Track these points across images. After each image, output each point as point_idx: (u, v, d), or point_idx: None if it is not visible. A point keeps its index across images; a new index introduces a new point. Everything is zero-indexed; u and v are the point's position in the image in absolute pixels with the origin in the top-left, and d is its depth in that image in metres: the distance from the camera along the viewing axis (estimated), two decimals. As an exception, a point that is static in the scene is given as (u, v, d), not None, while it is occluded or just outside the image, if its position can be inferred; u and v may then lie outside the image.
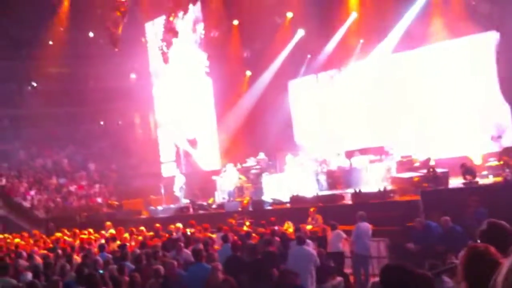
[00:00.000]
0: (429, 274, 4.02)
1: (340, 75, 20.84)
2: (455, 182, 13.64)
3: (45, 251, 12.33)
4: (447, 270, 5.92)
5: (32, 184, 25.26)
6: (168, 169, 25.72)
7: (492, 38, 16.76)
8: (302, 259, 8.93)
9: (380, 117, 19.52)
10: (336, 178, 18.07)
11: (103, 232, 15.09)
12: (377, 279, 4.11)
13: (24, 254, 11.45)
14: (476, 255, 3.07)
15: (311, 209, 13.60)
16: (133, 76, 27.42)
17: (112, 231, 14.94)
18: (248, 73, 23.71)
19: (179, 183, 20.81)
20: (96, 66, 24.71)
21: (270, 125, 21.28)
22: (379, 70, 19.62)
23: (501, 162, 14.01)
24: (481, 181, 13.27)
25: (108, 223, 16.41)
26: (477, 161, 15.40)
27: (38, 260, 10.71)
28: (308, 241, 10.20)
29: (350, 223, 11.68)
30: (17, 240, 14.98)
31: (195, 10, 24.61)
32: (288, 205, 16.14)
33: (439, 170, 13.89)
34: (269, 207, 16.45)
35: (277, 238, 10.58)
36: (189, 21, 24.91)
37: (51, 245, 13.46)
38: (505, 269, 1.69)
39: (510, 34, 15.43)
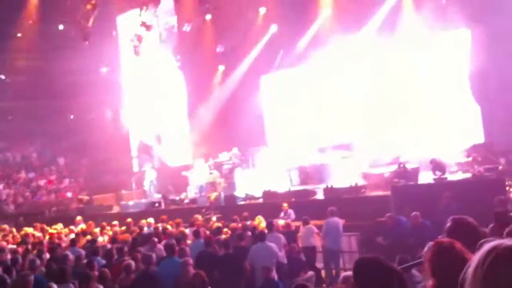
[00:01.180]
0: (398, 268, 4.07)
1: (313, 71, 20.90)
2: (425, 178, 13.84)
3: (14, 246, 12.12)
4: (416, 264, 6.01)
5: (1, 178, 24.80)
6: (139, 164, 25.53)
7: (464, 35, 17.01)
8: (263, 255, 8.94)
9: (351, 113, 19.64)
10: (308, 174, 18.17)
11: (72, 227, 14.90)
12: (348, 273, 4.15)
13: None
14: (442, 251, 3.11)
15: (284, 204, 13.67)
16: (104, 70, 27.08)
17: (83, 226, 14.77)
18: (221, 67, 23.63)
19: (150, 178, 20.67)
20: (67, 60, 24.27)
21: (243, 120, 21.24)
22: (350, 66, 19.74)
23: (470, 159, 14.28)
24: (450, 177, 13.50)
25: (79, 217, 16.23)
26: (446, 157, 15.64)
27: (8, 255, 10.52)
28: (279, 234, 10.26)
29: (322, 218, 11.78)
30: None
31: (167, 4, 24.45)
32: (260, 200, 16.18)
33: (409, 166, 14.09)
34: (242, 202, 16.47)
35: (249, 233, 10.59)
36: (161, 15, 24.71)
37: (20, 240, 13.22)
38: (474, 263, 1.71)
39: (481, 33, 15.61)
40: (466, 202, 10.33)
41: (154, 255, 8.53)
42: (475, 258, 1.70)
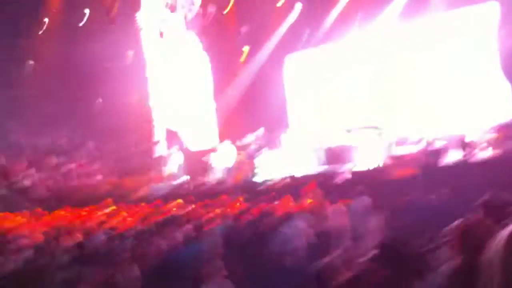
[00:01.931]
0: (423, 250, 4.07)
1: (339, 49, 20.69)
2: (454, 156, 13.66)
3: (46, 229, 12.40)
4: (444, 243, 5.97)
5: (32, 163, 25.25)
6: (166, 147, 25.69)
7: (492, 9, 16.61)
8: (291, 235, 8.96)
9: (379, 93, 19.45)
10: (335, 154, 18.08)
11: (104, 209, 15.15)
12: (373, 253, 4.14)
13: (26, 232, 11.52)
14: (471, 228, 3.09)
15: (310, 184, 13.65)
16: (130, 52, 27.18)
17: (113, 207, 15.02)
18: (246, 48, 23.54)
19: (177, 160, 20.81)
20: (91, 45, 24.45)
21: (269, 101, 21.19)
22: (379, 44, 19.50)
23: (501, 135, 14.02)
24: (480, 154, 13.30)
25: (108, 200, 16.49)
26: (475, 136, 15.39)
27: (40, 237, 10.78)
28: (309, 215, 10.27)
29: (349, 198, 11.75)
30: (18, 218, 15.04)
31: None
32: (287, 180, 16.19)
33: (438, 143, 13.92)
34: (269, 183, 16.51)
35: (276, 214, 10.63)
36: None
37: (52, 223, 13.52)
38: (498, 240, 1.71)
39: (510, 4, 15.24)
40: (498, 179, 10.16)
41: (180, 236, 8.63)
42: (497, 238, 1.70)
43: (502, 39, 15.84)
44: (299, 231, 9.11)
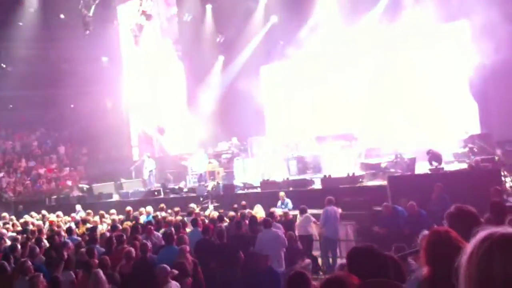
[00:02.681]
0: (395, 256, 4.14)
1: (313, 62, 20.92)
2: (422, 168, 13.93)
3: (14, 234, 12.24)
4: (412, 253, 6.10)
5: (1, 167, 24.88)
6: (139, 153, 25.60)
7: (463, 27, 17.03)
8: (271, 242, 9.08)
9: (350, 104, 19.70)
10: (306, 163, 18.26)
11: (73, 215, 15.02)
12: (344, 261, 4.23)
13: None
14: (438, 239, 3.15)
15: (281, 193, 13.77)
16: (105, 59, 27.10)
17: (82, 214, 14.88)
18: (221, 57, 23.67)
19: (149, 167, 20.74)
20: (67, 49, 24.30)
21: (243, 110, 21.29)
22: (351, 57, 19.77)
23: (467, 149, 14.37)
24: (447, 167, 13.60)
25: (78, 206, 16.34)
26: (443, 147, 15.72)
27: (8, 242, 10.64)
28: (278, 224, 10.37)
29: (319, 207, 11.89)
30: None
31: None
32: (258, 189, 16.28)
33: (406, 156, 14.17)
34: (240, 191, 16.57)
35: (246, 222, 10.70)
36: (162, 4, 24.69)
37: (20, 228, 13.34)
38: (469, 250, 1.74)
39: (481, 25, 15.61)
40: (462, 192, 10.42)
41: (149, 243, 8.63)
42: (470, 245, 1.75)
43: (471, 57, 16.23)
44: (277, 237, 9.21)
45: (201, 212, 13.40)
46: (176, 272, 7.12)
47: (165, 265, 7.13)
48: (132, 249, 8.42)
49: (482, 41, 15.28)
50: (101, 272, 7.22)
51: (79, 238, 10.72)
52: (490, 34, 14.98)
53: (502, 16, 14.46)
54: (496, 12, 14.46)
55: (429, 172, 13.15)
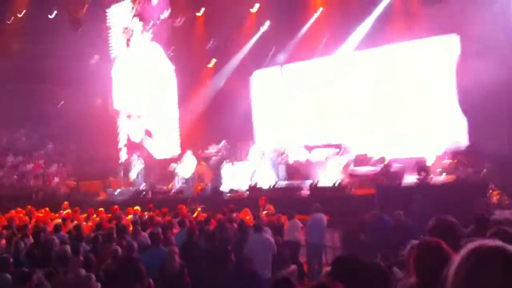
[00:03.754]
0: (381, 264, 4.16)
1: (304, 70, 21.04)
2: (410, 179, 14.03)
3: (-1, 229, 12.14)
4: (398, 262, 6.14)
5: (-13, 161, 24.71)
6: (127, 152, 25.50)
7: (453, 41, 17.19)
8: (260, 246, 9.09)
9: (340, 112, 19.82)
10: (295, 170, 18.30)
11: (60, 212, 14.93)
12: (330, 268, 4.25)
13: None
14: (428, 250, 3.17)
15: (262, 199, 13.76)
16: (96, 57, 27.01)
17: (69, 211, 14.80)
18: (212, 61, 23.66)
19: (138, 166, 20.67)
20: (58, 45, 24.14)
21: (233, 114, 21.31)
22: (341, 67, 19.91)
23: (455, 161, 14.47)
24: (435, 178, 13.69)
25: (65, 203, 16.24)
26: (431, 158, 15.85)
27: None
28: (266, 228, 10.38)
29: (307, 213, 11.92)
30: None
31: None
32: (246, 194, 16.30)
33: (395, 166, 14.26)
34: (228, 195, 16.58)
35: (235, 225, 10.71)
36: (155, 7, 24.64)
37: (5, 223, 13.24)
38: (457, 262, 1.77)
39: (470, 39, 15.77)
40: (449, 204, 10.50)
41: (135, 243, 8.61)
42: (457, 257, 1.77)
43: (460, 71, 16.40)
44: (267, 241, 9.23)
45: (189, 214, 13.38)
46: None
47: None
48: (119, 248, 8.39)
49: (471, 55, 15.49)
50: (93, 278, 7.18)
51: (66, 235, 10.65)
52: (479, 48, 15.17)
53: (492, 30, 14.65)
54: (486, 26, 14.65)
55: (416, 182, 13.24)
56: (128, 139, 25.86)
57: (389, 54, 18.84)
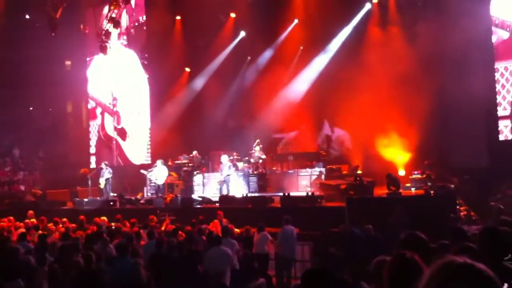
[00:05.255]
0: (348, 279, 4.15)
1: (278, 79, 21.10)
2: (380, 191, 14.13)
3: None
4: (366, 276, 6.12)
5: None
6: (96, 161, 25.17)
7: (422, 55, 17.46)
8: (218, 259, 8.94)
9: (313, 122, 19.95)
10: (266, 181, 18.29)
11: (25, 221, 14.58)
12: (299, 281, 4.21)
13: None
14: (403, 263, 3.13)
15: (219, 212, 13.56)
16: (68, 63, 26.68)
17: (34, 220, 14.47)
18: (187, 69, 23.60)
19: (106, 175, 20.34)
20: (31, 49, 23.79)
21: (206, 123, 21.23)
22: (318, 75, 20.06)
23: (424, 176, 14.64)
24: (404, 192, 13.82)
25: (31, 211, 15.88)
26: (401, 171, 16.03)
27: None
28: (233, 241, 10.28)
29: (277, 225, 11.86)
30: None
31: (137, 1, 24.27)
32: (217, 204, 16.18)
33: (365, 179, 14.34)
34: (198, 206, 16.44)
35: (204, 237, 10.59)
36: (131, 12, 24.52)
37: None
38: (426, 277, 1.76)
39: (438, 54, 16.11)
40: (418, 218, 10.59)
41: (104, 253, 8.41)
42: (427, 273, 1.76)
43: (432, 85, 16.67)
44: (226, 255, 9.10)
45: (158, 225, 13.20)
46: None
47: None
48: (81, 260, 8.18)
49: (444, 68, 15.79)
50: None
51: (30, 245, 10.37)
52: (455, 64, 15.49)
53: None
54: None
55: (386, 196, 13.33)
56: (99, 139, 25.48)
57: (363, 64, 19.01)
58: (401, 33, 17.63)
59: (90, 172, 20.69)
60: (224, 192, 17.02)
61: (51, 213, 16.02)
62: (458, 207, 12.44)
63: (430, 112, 17.12)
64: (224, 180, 17.48)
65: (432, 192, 12.96)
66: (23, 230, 12.53)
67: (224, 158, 17.97)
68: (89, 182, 20.46)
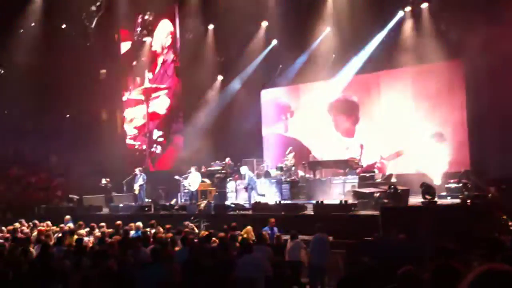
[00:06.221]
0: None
1: (309, 88, 21.15)
2: (415, 200, 13.95)
3: (1, 241, 12.09)
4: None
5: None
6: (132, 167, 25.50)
7: (458, 67, 17.32)
8: (250, 266, 8.93)
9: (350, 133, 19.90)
10: (299, 188, 18.26)
11: (62, 225, 14.88)
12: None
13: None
14: (446, 271, 3.13)
15: (271, 219, 13.58)
16: (103, 71, 27.19)
17: (71, 225, 14.76)
18: (220, 77, 23.82)
19: (141, 181, 20.61)
20: (67, 58, 24.32)
21: (239, 131, 21.35)
22: (350, 85, 19.99)
23: (460, 185, 14.39)
24: (440, 201, 13.60)
25: (67, 216, 16.20)
26: (437, 180, 15.79)
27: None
28: (268, 248, 10.27)
29: (310, 233, 11.81)
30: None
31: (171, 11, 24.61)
32: (250, 211, 16.22)
33: (400, 188, 14.17)
34: (232, 212, 16.50)
35: (237, 244, 10.62)
36: (164, 21, 24.86)
37: (7, 235, 13.20)
38: (466, 283, 1.77)
39: (474, 65, 15.88)
40: (453, 227, 10.42)
41: (138, 258, 8.51)
42: (468, 279, 1.77)
43: (467, 93, 16.47)
44: (259, 263, 9.10)
45: (192, 230, 13.31)
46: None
47: None
48: (115, 265, 8.30)
49: (477, 79, 15.57)
50: None
51: (67, 249, 10.59)
52: (484, 73, 15.25)
53: (494, 55, 14.69)
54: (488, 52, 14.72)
55: (421, 205, 13.15)
56: (134, 153, 25.83)
57: (396, 75, 18.93)
58: (435, 41, 17.40)
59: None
60: (252, 200, 17.06)
61: (87, 218, 16.31)
62: (495, 216, 12.17)
63: (466, 120, 16.94)
64: (248, 187, 17.52)
65: (468, 201, 12.72)
66: (59, 234, 12.79)
67: (243, 169, 18.04)
68: (124, 188, 20.77)
